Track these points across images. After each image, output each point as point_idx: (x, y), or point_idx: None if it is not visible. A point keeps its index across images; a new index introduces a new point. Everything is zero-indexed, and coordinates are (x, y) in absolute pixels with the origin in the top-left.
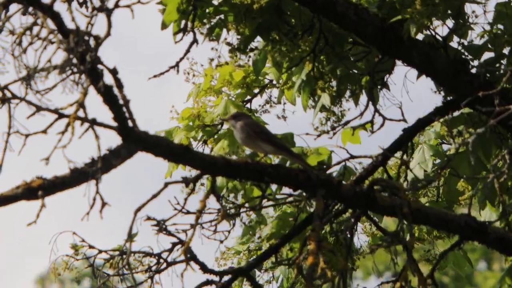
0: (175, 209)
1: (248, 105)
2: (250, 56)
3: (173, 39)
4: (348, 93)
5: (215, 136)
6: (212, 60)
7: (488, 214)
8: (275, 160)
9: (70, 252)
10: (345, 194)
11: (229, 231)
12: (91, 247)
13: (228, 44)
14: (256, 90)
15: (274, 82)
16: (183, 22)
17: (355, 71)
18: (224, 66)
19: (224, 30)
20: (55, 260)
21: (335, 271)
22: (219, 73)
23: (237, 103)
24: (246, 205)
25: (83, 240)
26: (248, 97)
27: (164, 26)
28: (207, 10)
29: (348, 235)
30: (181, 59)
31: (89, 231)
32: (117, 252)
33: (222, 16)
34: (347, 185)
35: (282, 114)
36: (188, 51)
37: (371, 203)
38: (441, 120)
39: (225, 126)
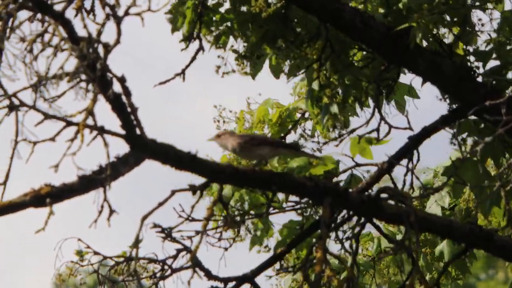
0: (180, 216)
1: None
2: (255, 63)
3: (180, 46)
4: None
5: None
6: (219, 67)
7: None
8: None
9: (76, 258)
10: (352, 202)
11: (233, 238)
12: (96, 253)
13: (235, 51)
14: (290, 126)
15: (307, 115)
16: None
17: (361, 79)
18: (259, 107)
19: (231, 38)
20: (59, 267)
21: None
22: (256, 114)
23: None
24: (252, 212)
25: (88, 247)
26: (281, 134)
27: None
28: (213, 18)
29: (354, 243)
30: (187, 66)
31: (91, 237)
32: (121, 259)
33: (228, 24)
34: (354, 193)
35: (317, 147)
36: (194, 58)
37: (378, 211)
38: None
39: None
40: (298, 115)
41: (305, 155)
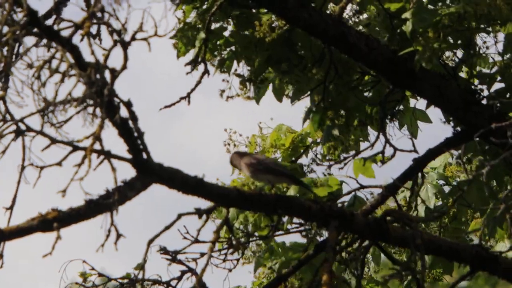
0: (185, 238)
1: None
2: (259, 88)
3: (184, 70)
4: (356, 123)
5: None
6: (223, 91)
7: (500, 245)
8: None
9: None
10: (358, 225)
11: (237, 260)
12: (100, 275)
13: (239, 75)
14: (302, 150)
15: (318, 140)
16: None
17: (365, 102)
18: (272, 133)
19: (235, 62)
20: None
21: None
22: (268, 140)
23: (285, 163)
24: (256, 234)
25: (92, 268)
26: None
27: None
28: (218, 42)
29: (359, 265)
30: (192, 90)
31: (96, 257)
32: (126, 280)
33: (233, 48)
34: (359, 216)
35: (328, 172)
36: (199, 82)
37: (383, 234)
38: (453, 150)
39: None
40: (310, 140)
41: (303, 186)
